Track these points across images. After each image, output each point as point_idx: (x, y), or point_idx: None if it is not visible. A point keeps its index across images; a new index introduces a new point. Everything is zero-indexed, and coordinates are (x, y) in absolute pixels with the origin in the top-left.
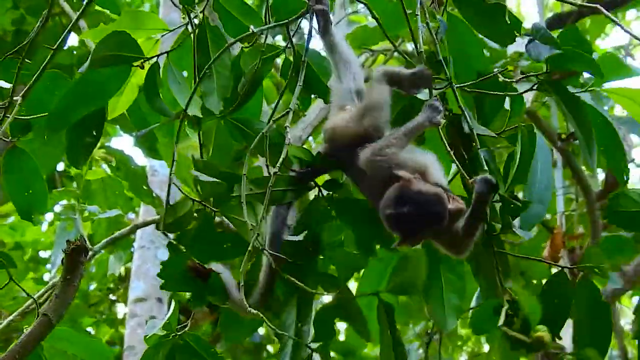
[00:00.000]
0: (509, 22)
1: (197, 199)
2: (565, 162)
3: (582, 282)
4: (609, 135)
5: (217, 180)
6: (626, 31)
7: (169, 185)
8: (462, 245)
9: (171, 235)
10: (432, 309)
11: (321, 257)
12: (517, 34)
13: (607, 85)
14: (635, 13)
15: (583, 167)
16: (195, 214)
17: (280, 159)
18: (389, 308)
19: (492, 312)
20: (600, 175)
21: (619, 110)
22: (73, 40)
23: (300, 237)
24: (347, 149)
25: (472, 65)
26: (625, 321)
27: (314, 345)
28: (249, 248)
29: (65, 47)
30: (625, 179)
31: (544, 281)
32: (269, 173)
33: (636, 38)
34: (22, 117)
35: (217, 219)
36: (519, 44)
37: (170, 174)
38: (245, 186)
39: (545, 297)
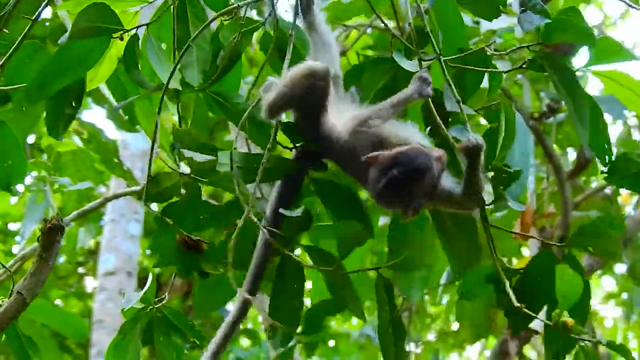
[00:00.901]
0: None
1: (184, 172)
2: (536, 140)
3: (568, 259)
4: (594, 116)
5: (209, 156)
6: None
7: (151, 156)
8: (468, 200)
9: (154, 207)
10: (400, 280)
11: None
12: (502, 9)
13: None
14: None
15: (554, 146)
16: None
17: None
18: (388, 284)
19: (484, 278)
20: (571, 155)
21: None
22: (46, 12)
23: (297, 212)
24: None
25: (454, 40)
26: (594, 301)
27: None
28: (242, 219)
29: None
30: (607, 160)
31: (514, 260)
32: (248, 148)
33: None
34: (1, 88)
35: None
36: (493, 21)
37: (153, 146)
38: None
39: (530, 272)
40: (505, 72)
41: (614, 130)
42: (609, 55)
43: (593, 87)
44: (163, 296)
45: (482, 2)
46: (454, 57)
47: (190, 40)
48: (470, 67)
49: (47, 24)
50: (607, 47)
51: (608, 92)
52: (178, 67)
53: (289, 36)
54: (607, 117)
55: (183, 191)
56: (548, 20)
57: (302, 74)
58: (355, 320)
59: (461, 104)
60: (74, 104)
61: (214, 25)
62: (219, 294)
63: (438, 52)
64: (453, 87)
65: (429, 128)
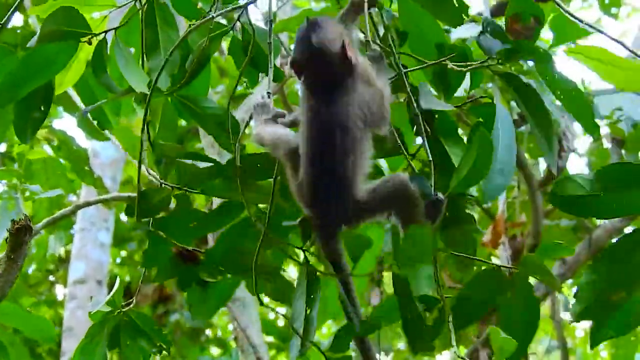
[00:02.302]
0: (456, 5)
1: (172, 184)
2: None
3: (518, 279)
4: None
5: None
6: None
7: (139, 168)
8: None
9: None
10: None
11: None
12: (464, 17)
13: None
14: (580, 3)
15: (526, 155)
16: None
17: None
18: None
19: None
20: (542, 164)
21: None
22: (17, 20)
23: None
24: None
25: (430, 38)
26: (565, 312)
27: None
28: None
29: (9, 26)
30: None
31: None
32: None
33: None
34: None
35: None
36: (464, 30)
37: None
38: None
39: (474, 287)
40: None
41: (586, 140)
42: (566, 35)
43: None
44: (131, 300)
45: (445, 8)
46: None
47: (177, 45)
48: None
49: (19, 31)
50: (561, 26)
51: (594, 70)
52: (146, 71)
53: (268, 44)
54: (578, 128)
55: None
56: (507, 46)
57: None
58: (325, 329)
59: (439, 103)
60: (42, 108)
61: (182, 30)
62: (213, 299)
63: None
64: (426, 87)
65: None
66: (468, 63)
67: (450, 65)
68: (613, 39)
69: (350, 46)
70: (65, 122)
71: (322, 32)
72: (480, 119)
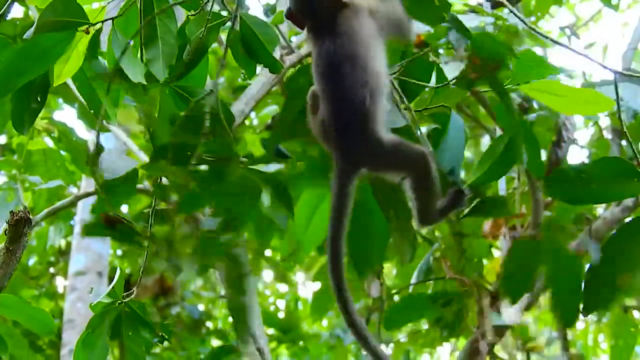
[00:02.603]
0: (437, 4)
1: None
2: None
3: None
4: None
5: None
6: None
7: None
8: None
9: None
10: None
11: None
12: (445, 15)
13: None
14: None
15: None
16: None
17: None
18: None
19: None
20: (542, 156)
21: None
22: (17, 11)
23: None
24: None
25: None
26: None
27: None
28: None
29: (8, 17)
30: (539, 175)
31: (484, 261)
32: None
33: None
34: None
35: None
36: (464, 20)
37: None
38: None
39: (512, 258)
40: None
41: (587, 132)
42: (531, 72)
43: None
44: (131, 292)
45: (426, 8)
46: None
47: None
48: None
49: (18, 23)
50: (529, 62)
51: (547, 104)
52: (144, 61)
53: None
54: (579, 119)
55: None
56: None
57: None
58: (325, 322)
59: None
60: (39, 99)
61: (181, 20)
62: None
63: None
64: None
65: None
66: (429, 85)
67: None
68: (578, 53)
69: None
70: (65, 114)
71: None
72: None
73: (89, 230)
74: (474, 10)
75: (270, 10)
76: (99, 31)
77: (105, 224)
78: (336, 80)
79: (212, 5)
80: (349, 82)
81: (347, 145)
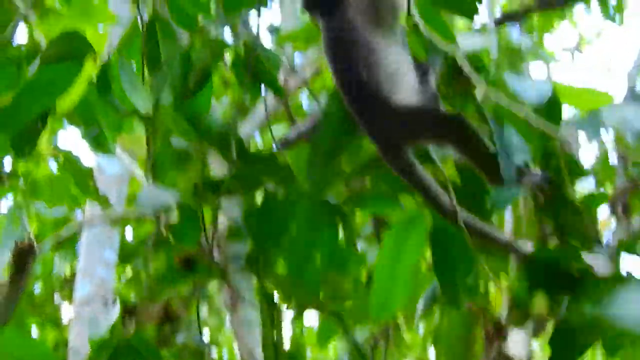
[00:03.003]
0: None
1: None
2: None
3: None
4: None
5: None
6: None
7: None
8: None
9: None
10: None
11: None
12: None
13: None
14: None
15: None
16: None
17: None
18: None
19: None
20: None
21: None
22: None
23: None
24: None
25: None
26: None
27: None
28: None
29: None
30: None
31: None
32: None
33: None
34: None
35: None
36: (468, 39)
37: None
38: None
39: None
40: None
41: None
42: None
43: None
44: (134, 323)
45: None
46: None
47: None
48: None
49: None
50: None
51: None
52: (149, 88)
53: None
54: (582, 136)
55: None
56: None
57: None
58: (331, 349)
59: None
60: (39, 126)
61: (184, 45)
62: None
63: None
64: None
65: None
66: None
67: None
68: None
69: None
70: (69, 134)
71: None
72: None
73: (165, 279)
74: (477, 30)
75: (274, 31)
76: (108, 63)
77: (184, 267)
78: (345, 64)
79: (217, 30)
80: (356, 63)
81: (374, 127)
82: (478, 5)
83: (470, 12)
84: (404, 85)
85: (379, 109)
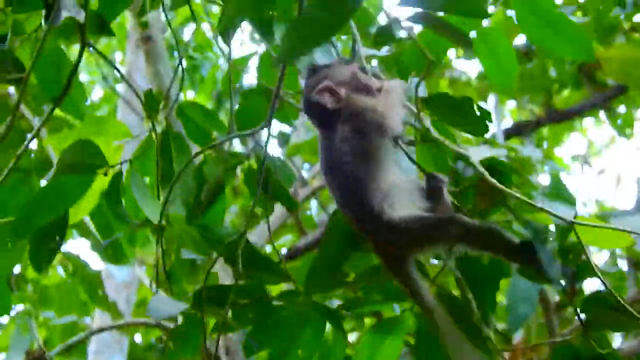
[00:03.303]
0: (478, 114)
1: None
2: None
3: None
4: None
5: None
6: None
7: None
8: None
9: None
10: None
11: None
12: (488, 124)
13: None
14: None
15: None
16: None
17: None
18: None
19: None
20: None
21: None
22: (32, 143)
23: None
24: None
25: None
26: None
27: None
28: None
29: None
30: None
31: None
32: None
33: None
34: None
35: None
36: (477, 152)
37: None
38: None
39: None
40: None
41: (601, 257)
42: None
43: None
44: None
45: (468, 119)
46: None
47: (176, 176)
48: None
49: (33, 155)
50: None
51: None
52: (162, 202)
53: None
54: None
55: None
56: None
57: None
58: None
59: None
60: (57, 238)
61: (198, 159)
62: None
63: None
64: None
65: None
66: None
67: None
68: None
69: (338, 86)
70: (78, 243)
71: (311, 79)
72: None
73: None
74: (486, 141)
75: (285, 141)
76: (118, 175)
77: None
78: (340, 183)
79: (229, 145)
80: (351, 184)
81: (376, 240)
82: (488, 124)
83: (480, 131)
84: (401, 201)
85: (377, 225)
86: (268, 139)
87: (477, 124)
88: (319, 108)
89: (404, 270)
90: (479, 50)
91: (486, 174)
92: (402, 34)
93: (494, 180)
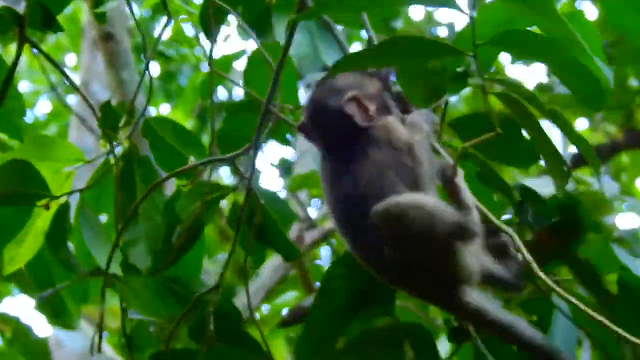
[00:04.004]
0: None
1: None
2: None
3: None
4: None
5: None
6: None
7: None
8: None
9: None
10: None
11: None
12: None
13: None
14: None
15: None
16: None
17: None
18: None
19: None
20: None
21: None
22: None
23: None
24: None
25: None
26: None
27: None
28: None
29: None
30: None
31: None
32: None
33: None
34: None
35: None
36: (537, 185)
37: None
38: None
39: None
40: None
41: None
42: None
43: None
44: None
45: (512, 146)
46: None
47: (134, 205)
48: None
49: None
50: None
51: None
52: (121, 245)
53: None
54: None
55: None
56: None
57: None
58: None
59: None
60: None
61: (169, 191)
62: None
63: None
64: None
65: None
66: None
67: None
68: None
69: (368, 100)
70: (19, 302)
71: (329, 83)
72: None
73: None
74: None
75: (286, 169)
76: (64, 208)
77: None
78: (351, 222)
79: (210, 175)
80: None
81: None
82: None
83: (528, 162)
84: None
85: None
86: (253, 165)
87: (525, 154)
88: (343, 121)
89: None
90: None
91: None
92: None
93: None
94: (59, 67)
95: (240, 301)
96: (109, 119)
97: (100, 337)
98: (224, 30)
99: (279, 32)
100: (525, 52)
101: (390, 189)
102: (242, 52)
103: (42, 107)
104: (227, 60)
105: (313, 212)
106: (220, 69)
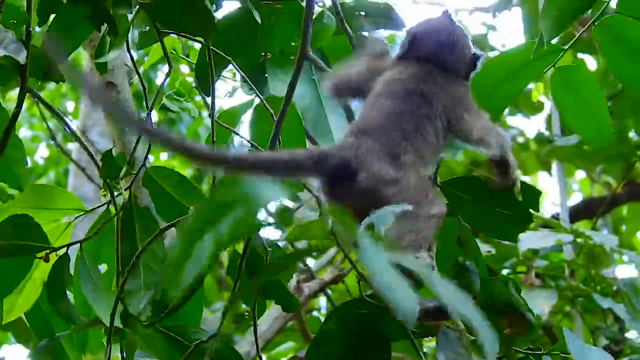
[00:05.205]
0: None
1: None
2: None
3: None
4: None
5: None
6: None
7: None
8: None
9: None
10: None
11: None
12: (532, 215)
13: None
14: None
15: None
16: None
17: None
18: None
19: None
20: None
21: None
22: None
23: None
24: None
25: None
26: None
27: None
28: None
29: None
30: None
31: None
32: None
33: None
34: None
35: None
36: (535, 239)
37: None
38: None
39: None
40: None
41: None
42: None
43: None
44: None
45: (509, 206)
46: None
47: (136, 255)
48: None
49: None
50: None
51: None
52: (120, 296)
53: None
54: None
55: None
56: None
57: None
58: None
59: None
60: None
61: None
62: None
63: None
64: None
65: None
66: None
67: None
68: None
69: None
70: (15, 351)
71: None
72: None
73: None
74: (546, 224)
75: (285, 219)
76: (63, 259)
77: None
78: None
79: None
80: None
81: None
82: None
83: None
84: None
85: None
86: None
87: (520, 213)
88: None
89: None
90: (557, 93)
91: None
92: None
93: None
94: (58, 114)
95: (240, 351)
96: (110, 169)
97: None
98: (230, 83)
99: (274, 86)
100: None
101: None
102: (250, 103)
103: (41, 154)
104: (234, 113)
105: (312, 263)
106: (226, 121)
